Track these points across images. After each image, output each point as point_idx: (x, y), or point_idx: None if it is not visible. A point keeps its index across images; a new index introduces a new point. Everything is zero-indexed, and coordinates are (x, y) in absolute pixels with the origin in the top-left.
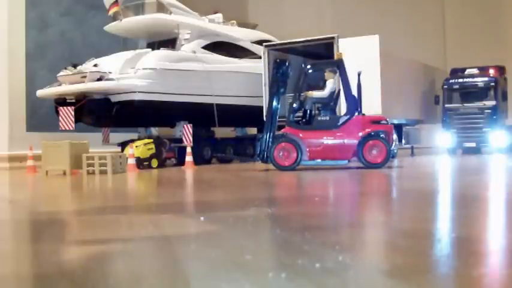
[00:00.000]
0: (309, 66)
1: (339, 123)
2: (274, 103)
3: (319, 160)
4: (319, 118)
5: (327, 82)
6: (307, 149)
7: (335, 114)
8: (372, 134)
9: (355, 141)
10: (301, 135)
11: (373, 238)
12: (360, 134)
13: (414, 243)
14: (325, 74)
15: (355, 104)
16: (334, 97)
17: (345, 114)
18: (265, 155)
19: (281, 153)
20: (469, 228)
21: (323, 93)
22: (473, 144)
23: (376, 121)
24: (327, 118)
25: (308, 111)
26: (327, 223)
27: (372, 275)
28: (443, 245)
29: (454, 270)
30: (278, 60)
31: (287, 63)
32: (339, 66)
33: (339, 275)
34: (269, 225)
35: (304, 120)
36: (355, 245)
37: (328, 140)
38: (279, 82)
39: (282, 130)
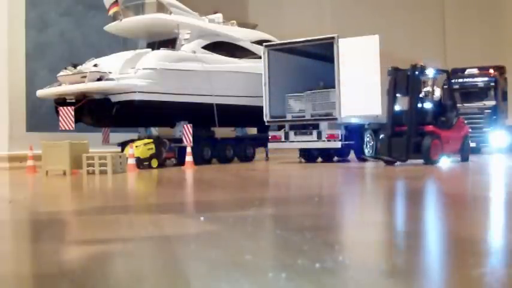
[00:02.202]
0: (418, 72)
1: (453, 123)
2: (419, 105)
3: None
4: (442, 118)
5: (436, 87)
6: (445, 145)
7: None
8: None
9: (461, 139)
10: (440, 133)
11: (373, 238)
12: (463, 133)
13: (415, 243)
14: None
15: (456, 106)
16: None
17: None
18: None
19: (435, 149)
20: (469, 228)
21: (437, 97)
22: (473, 144)
23: (464, 122)
24: (445, 119)
25: (431, 112)
26: (326, 223)
27: (371, 274)
28: (444, 245)
29: (454, 270)
30: (421, 65)
31: (424, 68)
32: (448, 74)
33: (338, 275)
34: (269, 226)
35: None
36: (353, 244)
37: (451, 137)
38: (417, 85)
39: (426, 128)
